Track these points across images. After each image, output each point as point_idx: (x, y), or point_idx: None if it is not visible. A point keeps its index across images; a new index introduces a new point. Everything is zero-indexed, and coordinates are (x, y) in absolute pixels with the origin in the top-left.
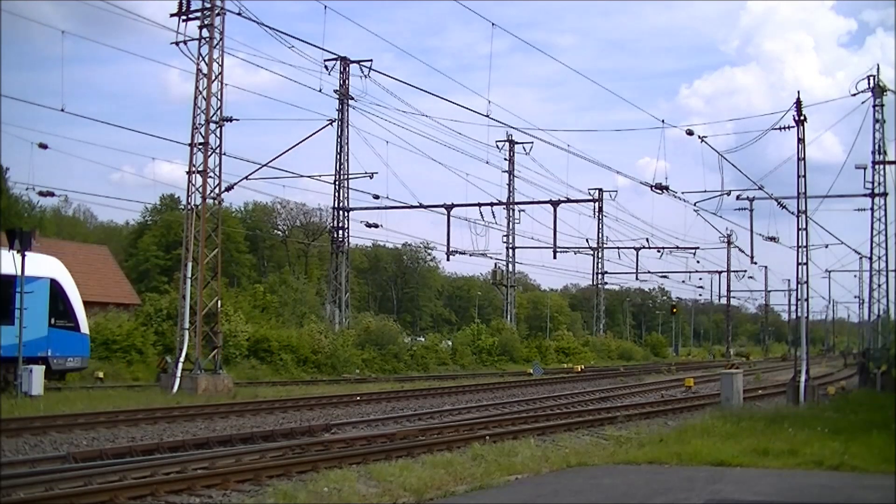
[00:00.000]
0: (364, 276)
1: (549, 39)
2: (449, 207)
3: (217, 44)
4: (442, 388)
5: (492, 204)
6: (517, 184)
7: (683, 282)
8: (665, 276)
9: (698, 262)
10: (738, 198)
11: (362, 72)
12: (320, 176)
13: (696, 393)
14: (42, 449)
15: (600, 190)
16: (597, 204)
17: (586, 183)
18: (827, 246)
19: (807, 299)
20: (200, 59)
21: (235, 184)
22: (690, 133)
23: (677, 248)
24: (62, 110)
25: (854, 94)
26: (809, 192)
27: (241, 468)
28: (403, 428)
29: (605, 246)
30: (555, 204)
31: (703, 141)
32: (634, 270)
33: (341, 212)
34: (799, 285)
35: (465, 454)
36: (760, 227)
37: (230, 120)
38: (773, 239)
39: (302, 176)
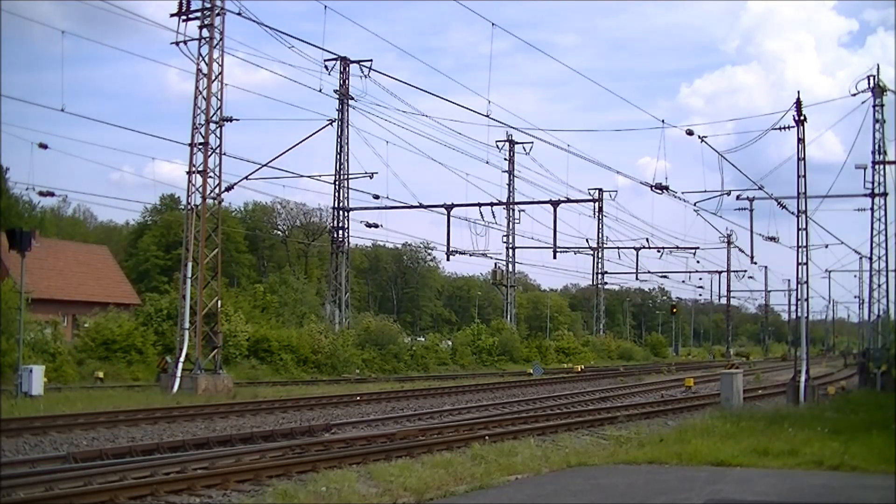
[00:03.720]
0: (364, 276)
1: (549, 39)
2: (449, 207)
3: (217, 44)
4: (442, 388)
5: (492, 204)
6: (517, 184)
7: (683, 282)
8: (665, 276)
9: (698, 262)
10: (738, 198)
11: (362, 72)
12: (320, 176)
13: (696, 393)
14: (42, 449)
15: (600, 190)
16: (597, 204)
17: (586, 183)
18: (827, 246)
19: (807, 299)
20: (200, 59)
21: (235, 184)
22: (690, 133)
23: (677, 248)
24: (62, 110)
25: (854, 94)
26: (809, 192)
27: (241, 468)
28: (403, 428)
29: (605, 246)
30: (555, 204)
31: (703, 141)
32: (634, 270)
33: (341, 212)
34: (799, 285)
35: (465, 454)
36: (760, 227)
37: (230, 120)
38: (773, 239)
39: (302, 176)
